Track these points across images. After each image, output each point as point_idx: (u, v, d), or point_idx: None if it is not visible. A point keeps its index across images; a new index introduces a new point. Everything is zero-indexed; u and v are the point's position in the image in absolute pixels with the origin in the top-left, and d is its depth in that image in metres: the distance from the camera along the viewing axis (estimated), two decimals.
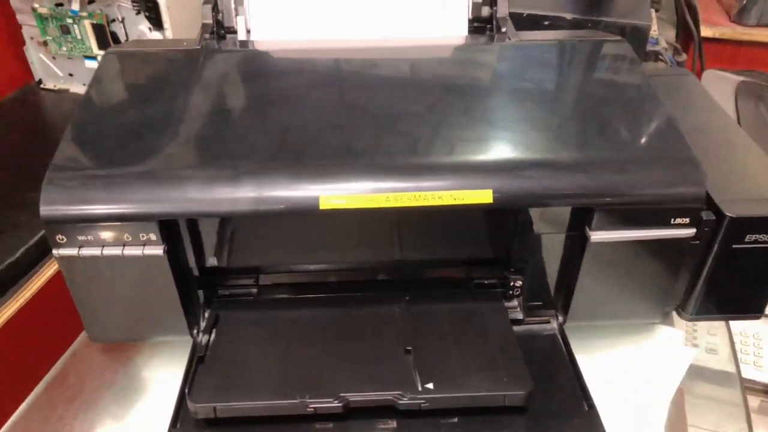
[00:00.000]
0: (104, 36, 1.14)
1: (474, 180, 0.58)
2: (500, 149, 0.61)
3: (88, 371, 0.69)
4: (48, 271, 0.88)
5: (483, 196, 0.58)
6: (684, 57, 1.22)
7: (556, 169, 0.59)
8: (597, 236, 0.60)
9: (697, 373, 0.73)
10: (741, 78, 1.25)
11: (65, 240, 0.59)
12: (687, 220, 0.60)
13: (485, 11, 0.80)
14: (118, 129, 0.64)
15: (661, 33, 1.26)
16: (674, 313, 0.71)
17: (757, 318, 0.70)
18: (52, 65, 1.23)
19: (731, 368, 0.76)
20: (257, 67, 0.75)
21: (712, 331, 0.81)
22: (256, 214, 0.58)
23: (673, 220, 0.60)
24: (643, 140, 0.62)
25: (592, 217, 0.60)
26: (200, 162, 0.60)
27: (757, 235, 0.62)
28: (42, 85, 1.25)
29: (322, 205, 0.58)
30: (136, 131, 0.63)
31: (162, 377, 0.69)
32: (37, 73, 1.26)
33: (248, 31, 0.79)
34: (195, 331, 0.67)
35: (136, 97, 0.69)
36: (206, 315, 0.69)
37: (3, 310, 0.83)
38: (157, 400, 0.66)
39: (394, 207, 0.58)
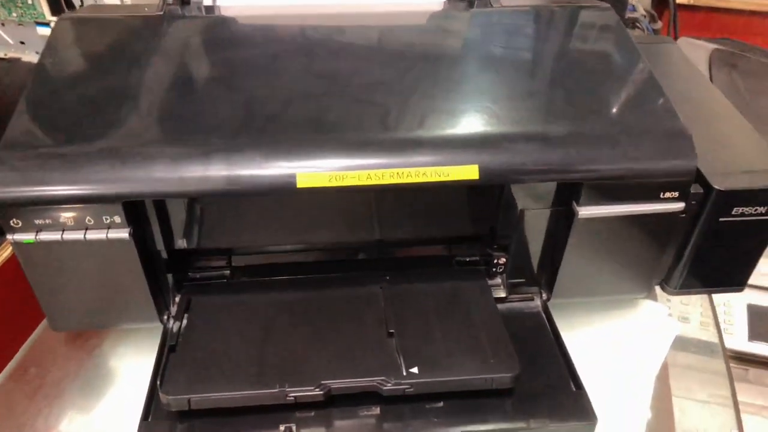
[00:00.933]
0: (57, 1, 1.07)
1: (459, 155, 0.55)
2: (485, 122, 0.58)
3: (50, 362, 0.65)
4: (4, 252, 0.83)
5: (469, 171, 0.55)
6: (660, 24, 1.20)
7: (544, 143, 0.56)
8: (585, 212, 0.58)
9: (675, 343, 0.72)
10: (715, 46, 1.24)
11: (21, 224, 0.54)
12: (676, 194, 0.58)
13: None
14: (75, 102, 0.59)
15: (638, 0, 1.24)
16: (657, 288, 0.70)
17: (740, 291, 0.69)
18: (1, 32, 1.16)
19: (706, 336, 0.76)
20: (224, 35, 0.70)
21: (684, 300, 0.80)
22: (228, 194, 0.54)
23: (662, 194, 0.58)
24: (631, 111, 0.60)
25: (580, 193, 0.58)
26: (166, 138, 0.56)
27: (744, 208, 0.61)
28: (3, 56, 1.18)
29: (300, 184, 0.54)
30: (95, 105, 0.59)
31: (130, 366, 0.65)
32: None
33: None
34: (165, 318, 0.64)
35: (94, 67, 0.64)
36: (176, 300, 0.65)
37: None
38: (126, 391, 0.63)
39: (377, 184, 0.55)
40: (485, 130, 0.58)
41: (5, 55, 1.17)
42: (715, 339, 0.75)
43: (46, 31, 1.10)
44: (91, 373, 0.65)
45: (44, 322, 0.68)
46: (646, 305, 0.72)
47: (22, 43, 1.16)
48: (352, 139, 0.56)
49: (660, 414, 0.63)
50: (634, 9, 1.12)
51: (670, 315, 0.73)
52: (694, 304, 0.80)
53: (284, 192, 0.55)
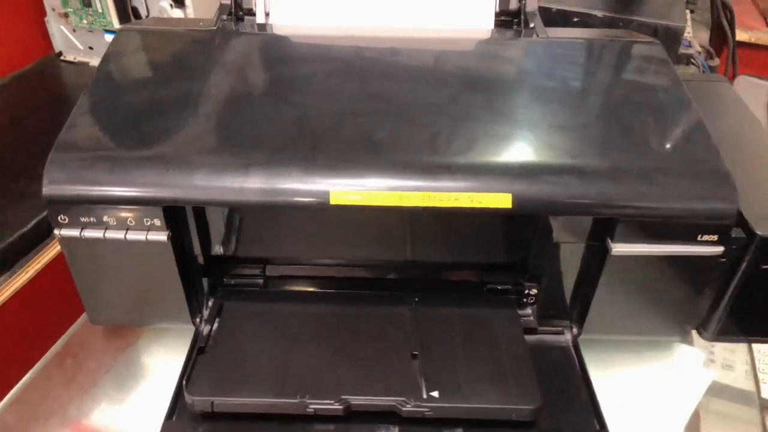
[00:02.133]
0: (125, 10, 1.12)
1: (493, 183, 0.56)
2: (522, 151, 0.58)
3: (87, 354, 0.68)
4: (58, 245, 0.87)
5: (502, 200, 0.55)
6: (717, 62, 1.17)
7: (580, 176, 0.56)
8: (618, 249, 0.57)
9: (712, 389, 0.70)
10: None
11: (67, 220, 0.57)
12: (715, 238, 0.57)
13: (513, 4, 0.77)
14: (127, 109, 0.62)
15: (694, 35, 1.22)
16: (694, 332, 0.68)
17: None
18: (72, 38, 1.22)
19: (747, 386, 0.73)
20: (274, 52, 0.72)
21: (728, 347, 0.78)
22: (264, 206, 0.56)
23: (700, 236, 0.57)
24: (673, 149, 0.59)
25: (615, 229, 0.57)
26: (210, 149, 0.58)
27: None
28: (62, 58, 1.24)
29: (333, 201, 0.55)
30: (147, 112, 0.62)
31: (162, 364, 0.67)
32: (58, 45, 1.24)
33: (267, 14, 0.76)
34: (197, 320, 0.66)
35: (149, 77, 0.67)
36: (210, 304, 0.67)
37: (12, 281, 0.82)
38: (156, 388, 0.64)
39: (408, 206, 0.55)
40: (522, 159, 0.58)
41: (74, 59, 1.23)
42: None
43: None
44: (124, 367, 0.67)
45: (83, 317, 0.70)
46: (682, 350, 0.70)
47: (91, 48, 1.22)
48: (388, 160, 0.57)
49: None
50: (689, 45, 1.10)
51: (712, 361, 0.71)
52: (740, 351, 0.77)
53: (317, 208, 0.56)
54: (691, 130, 0.61)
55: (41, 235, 0.86)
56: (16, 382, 0.65)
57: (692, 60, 1.09)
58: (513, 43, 0.75)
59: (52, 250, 0.86)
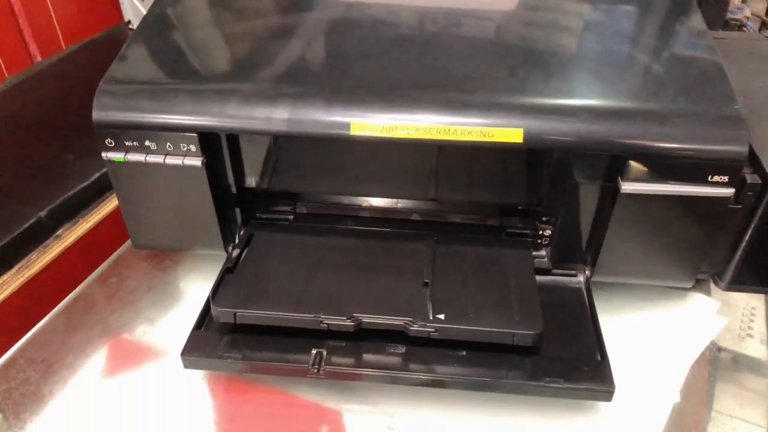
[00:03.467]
0: None
1: (506, 118, 0.58)
2: (537, 89, 0.60)
3: (129, 274, 0.74)
4: (116, 200, 0.93)
5: (513, 134, 0.57)
6: None
7: (591, 114, 0.58)
8: (628, 187, 0.59)
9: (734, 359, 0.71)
10: None
11: (113, 144, 0.63)
12: (726, 179, 0.57)
13: None
14: (171, 45, 0.67)
15: (749, 4, 1.19)
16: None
17: None
18: (140, 6, 1.27)
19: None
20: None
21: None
22: (289, 135, 0.60)
23: (710, 177, 0.58)
24: (687, 91, 0.60)
25: (624, 167, 0.58)
26: (243, 81, 0.62)
27: None
28: (130, 26, 1.30)
29: (353, 131, 0.59)
30: (186, 50, 0.66)
31: (197, 289, 0.73)
32: (127, 13, 1.30)
33: None
34: (230, 248, 0.71)
35: (194, 15, 0.72)
36: (242, 233, 0.72)
37: (74, 230, 0.88)
38: (188, 307, 0.70)
39: (424, 138, 0.58)
40: (535, 97, 0.60)
41: None
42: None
43: None
44: (162, 289, 0.73)
45: (127, 242, 0.76)
46: (695, 298, 0.71)
47: None
48: (408, 95, 0.60)
49: (690, 399, 0.62)
50: (741, 11, 1.08)
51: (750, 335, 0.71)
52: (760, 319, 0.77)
53: (339, 138, 0.59)
54: (710, 74, 0.61)
55: (101, 190, 0.93)
56: None
57: (743, 26, 1.07)
58: None
59: (110, 205, 0.92)
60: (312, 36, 0.69)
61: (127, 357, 0.66)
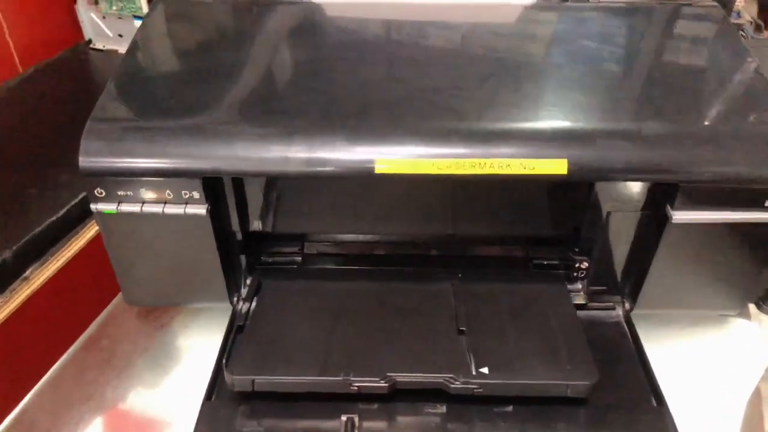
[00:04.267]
0: None
1: (547, 148, 0.53)
2: (577, 116, 0.55)
3: (122, 335, 0.66)
4: (89, 232, 0.86)
5: (557, 166, 0.52)
6: (765, 34, 1.13)
7: (641, 140, 0.53)
8: (680, 216, 0.54)
9: None
10: None
11: (104, 194, 0.55)
12: None
13: None
14: (164, 80, 0.60)
15: (744, 7, 1.17)
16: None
17: None
18: (102, 25, 1.21)
19: None
20: (312, 22, 0.70)
21: None
22: (307, 176, 0.53)
23: (765, 202, 0.54)
24: (736, 112, 0.56)
25: (676, 195, 0.54)
26: (250, 118, 0.56)
27: None
28: (91, 45, 1.23)
29: (378, 169, 0.53)
30: (184, 83, 0.60)
31: (198, 345, 0.65)
32: (87, 32, 1.23)
33: None
34: (235, 299, 0.64)
35: (185, 47, 0.65)
36: (247, 282, 0.65)
37: (43, 269, 0.81)
38: (192, 369, 0.63)
39: (457, 174, 0.53)
40: (577, 123, 0.55)
41: (103, 46, 1.22)
42: None
43: None
44: (159, 349, 0.65)
45: (119, 297, 0.69)
46: (738, 324, 0.67)
47: (120, 36, 1.20)
48: (435, 127, 0.55)
49: None
50: (738, 16, 1.06)
51: None
52: None
53: (362, 177, 0.53)
54: (757, 93, 0.57)
55: (71, 223, 0.85)
56: (51, 366, 0.63)
57: (741, 31, 1.05)
58: (566, 8, 0.71)
59: (81, 239, 0.85)
60: (318, 63, 0.63)
61: None
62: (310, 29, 0.68)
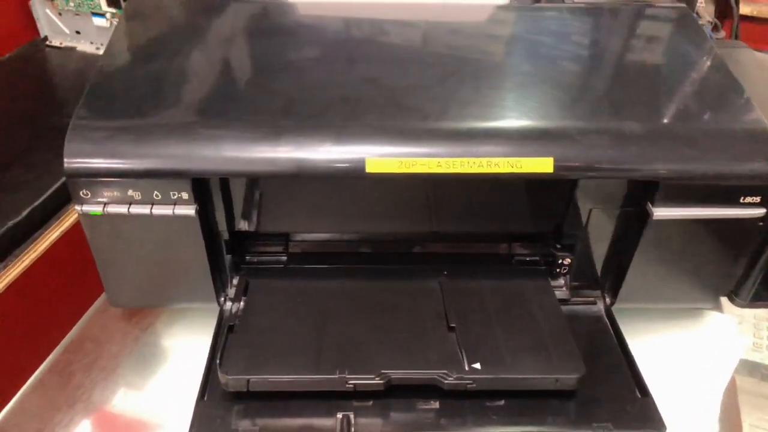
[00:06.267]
0: None
1: (533, 147, 0.54)
2: (562, 114, 0.57)
3: (106, 337, 0.65)
4: (53, 234, 0.84)
5: (543, 164, 0.53)
6: (723, 34, 1.17)
7: (623, 138, 0.54)
8: (660, 213, 0.56)
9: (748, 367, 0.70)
10: None
11: (89, 196, 0.54)
12: (758, 199, 0.56)
13: None
14: (148, 79, 0.59)
15: (703, 8, 1.20)
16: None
17: None
18: (58, 21, 1.16)
19: None
20: (289, 18, 0.69)
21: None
22: (297, 175, 0.53)
23: (742, 198, 0.56)
24: (713, 111, 0.58)
25: (656, 192, 0.55)
26: (239, 118, 0.56)
27: None
28: (48, 42, 1.19)
29: (369, 168, 0.53)
30: (169, 82, 0.59)
31: (183, 346, 0.65)
32: (43, 29, 1.18)
33: None
34: (222, 299, 0.63)
35: (165, 46, 0.64)
36: (233, 282, 0.65)
37: (6, 271, 0.79)
38: (178, 370, 0.62)
39: (447, 173, 0.53)
40: (563, 122, 0.56)
41: (60, 44, 1.18)
42: None
43: (101, 22, 1.10)
44: (145, 350, 0.64)
45: (102, 298, 0.68)
46: (713, 317, 0.69)
47: (78, 33, 1.15)
48: (424, 126, 0.55)
49: (728, 429, 0.60)
50: (698, 16, 1.09)
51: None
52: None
53: (352, 177, 0.54)
54: (729, 91, 0.60)
55: (34, 226, 0.83)
56: (33, 371, 0.62)
57: None
58: (544, 9, 0.72)
59: (45, 241, 0.83)
60: (301, 60, 0.63)
61: None
62: (288, 27, 0.68)
